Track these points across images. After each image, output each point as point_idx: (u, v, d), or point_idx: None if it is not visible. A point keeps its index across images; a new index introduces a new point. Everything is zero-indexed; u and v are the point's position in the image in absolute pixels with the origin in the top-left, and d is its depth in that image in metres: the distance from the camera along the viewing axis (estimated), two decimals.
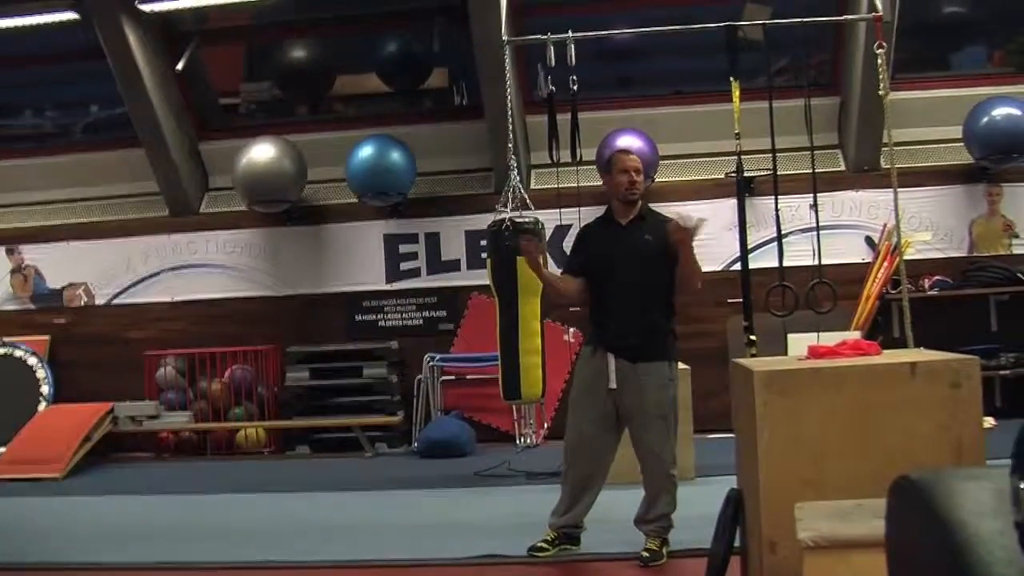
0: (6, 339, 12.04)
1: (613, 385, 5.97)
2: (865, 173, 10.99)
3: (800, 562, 3.50)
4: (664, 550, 5.93)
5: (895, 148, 8.77)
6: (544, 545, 6.13)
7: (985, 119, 10.48)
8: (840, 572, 3.27)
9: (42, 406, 11.61)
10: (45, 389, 11.77)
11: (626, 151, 6.56)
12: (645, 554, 5.88)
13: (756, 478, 4.23)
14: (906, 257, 9.14)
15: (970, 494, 1.54)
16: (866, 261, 10.74)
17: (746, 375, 4.45)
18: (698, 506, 5.71)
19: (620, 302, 6.03)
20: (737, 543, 4.96)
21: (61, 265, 12.37)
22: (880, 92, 8.50)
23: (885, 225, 10.51)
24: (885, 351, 4.88)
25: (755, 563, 4.44)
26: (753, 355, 8.07)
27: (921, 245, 10.56)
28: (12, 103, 13.33)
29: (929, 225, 10.87)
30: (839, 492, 3.86)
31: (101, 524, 8.06)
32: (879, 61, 8.36)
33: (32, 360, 11.90)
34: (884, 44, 8.41)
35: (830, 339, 5.41)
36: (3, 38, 11.38)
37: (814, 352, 4.67)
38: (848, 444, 4.06)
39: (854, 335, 9.04)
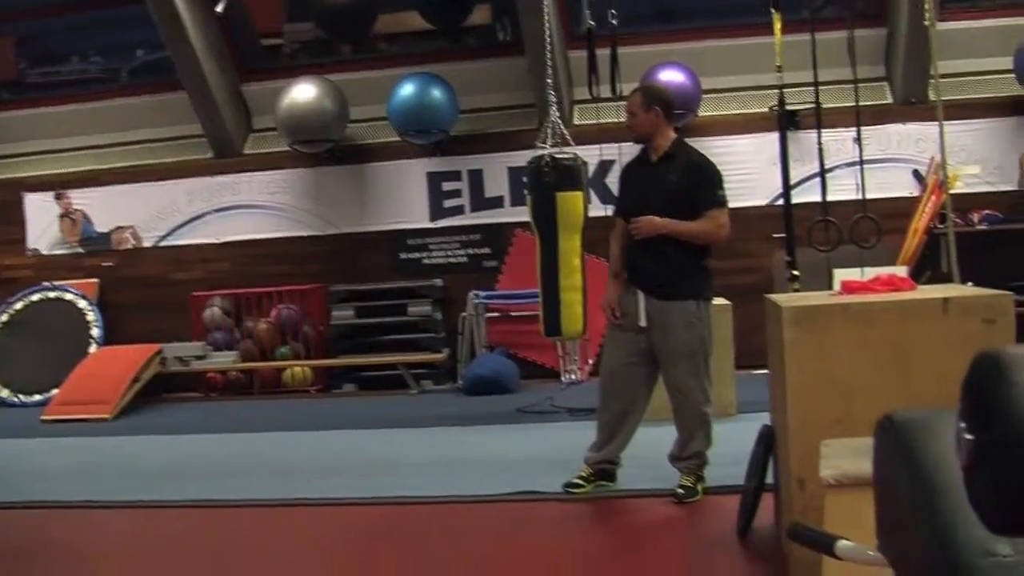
0: (56, 283, 12.19)
1: (643, 323, 5.94)
2: (912, 106, 10.78)
3: None
4: (699, 486, 5.93)
5: (943, 80, 8.58)
6: (579, 481, 6.14)
7: None
8: (863, 509, 3.19)
9: (92, 348, 11.78)
10: (95, 332, 11.93)
11: (633, 91, 6.39)
12: (680, 491, 5.88)
13: (785, 415, 4.20)
14: (955, 191, 8.97)
15: (951, 434, 1.52)
16: (914, 195, 10.56)
17: (776, 311, 4.41)
18: (737, 442, 5.68)
19: (646, 240, 5.98)
20: (771, 480, 4.96)
21: (108, 209, 12.49)
22: (926, 22, 8.30)
23: (933, 158, 10.32)
24: (928, 286, 4.80)
25: (786, 500, 4.42)
26: (796, 290, 7.98)
27: (970, 179, 10.34)
28: (58, 50, 13.40)
29: (978, 158, 10.65)
30: (869, 430, 3.77)
31: (150, 463, 8.21)
32: None
33: (82, 303, 12.07)
34: None
35: (875, 274, 5.31)
36: None
37: (847, 287, 4.61)
38: (878, 381, 3.98)
39: (901, 270, 8.90)
